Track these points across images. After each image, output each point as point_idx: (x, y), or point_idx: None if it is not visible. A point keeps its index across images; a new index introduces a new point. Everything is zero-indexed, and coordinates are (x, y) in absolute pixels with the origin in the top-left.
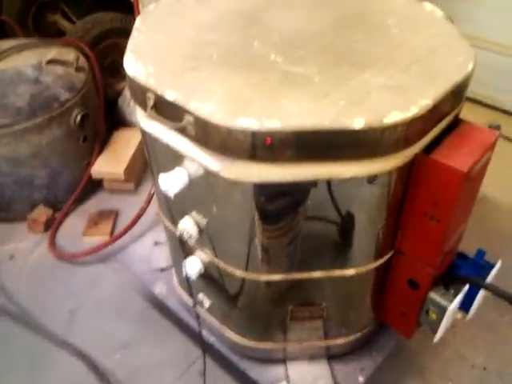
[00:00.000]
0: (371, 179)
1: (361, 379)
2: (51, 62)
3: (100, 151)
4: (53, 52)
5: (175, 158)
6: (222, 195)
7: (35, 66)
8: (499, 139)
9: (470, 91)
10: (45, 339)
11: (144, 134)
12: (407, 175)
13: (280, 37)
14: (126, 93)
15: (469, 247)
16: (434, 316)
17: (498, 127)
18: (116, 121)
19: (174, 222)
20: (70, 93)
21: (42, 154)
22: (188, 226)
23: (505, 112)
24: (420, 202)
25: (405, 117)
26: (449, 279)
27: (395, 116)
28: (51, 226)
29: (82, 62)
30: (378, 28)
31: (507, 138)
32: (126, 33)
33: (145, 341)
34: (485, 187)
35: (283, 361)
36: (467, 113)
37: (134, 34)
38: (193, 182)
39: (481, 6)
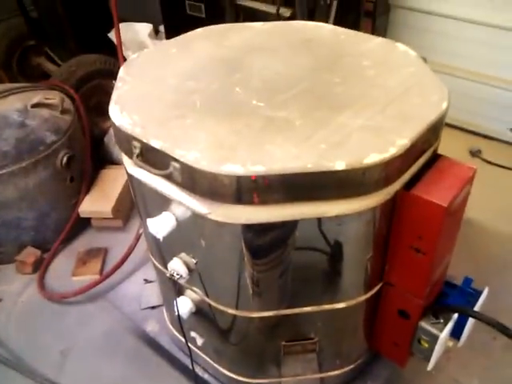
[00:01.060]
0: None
1: None
2: (36, 105)
3: (87, 190)
4: (38, 96)
5: (163, 202)
6: (210, 236)
7: (21, 110)
8: (480, 163)
9: (451, 118)
10: (36, 382)
11: (131, 178)
12: (390, 211)
13: (261, 82)
14: (112, 131)
15: (456, 271)
16: (426, 344)
17: (478, 152)
18: (103, 159)
19: (164, 262)
20: (55, 135)
21: (29, 197)
22: (177, 266)
23: (485, 137)
24: (405, 235)
25: (383, 157)
26: (438, 308)
27: (374, 157)
28: (40, 266)
29: (68, 104)
30: (355, 70)
31: (488, 162)
32: (110, 74)
33: (138, 379)
34: (468, 211)
35: None
36: (449, 139)
37: (118, 84)
38: (181, 224)
39: (458, 38)
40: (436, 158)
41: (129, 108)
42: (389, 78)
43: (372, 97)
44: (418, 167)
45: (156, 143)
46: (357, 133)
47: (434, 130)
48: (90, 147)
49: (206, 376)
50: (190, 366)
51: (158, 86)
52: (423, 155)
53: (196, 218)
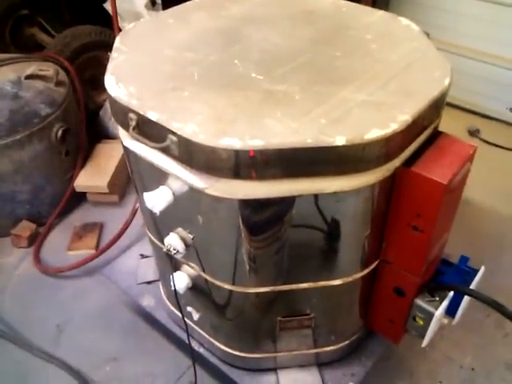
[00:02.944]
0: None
1: None
2: (30, 77)
3: (83, 164)
4: (32, 67)
5: (159, 176)
6: (207, 211)
7: (14, 81)
8: (479, 143)
9: (450, 96)
10: (33, 355)
11: (127, 151)
12: (389, 188)
13: (260, 54)
14: (107, 105)
15: (453, 250)
16: (421, 322)
17: (477, 131)
18: (98, 133)
19: (160, 237)
20: (50, 108)
21: (24, 170)
22: (174, 241)
23: (484, 116)
24: (403, 213)
25: (385, 133)
26: (434, 286)
27: (375, 133)
28: (35, 240)
29: (62, 76)
30: (357, 44)
31: (486, 142)
32: (105, 46)
33: (134, 353)
34: (466, 190)
35: (274, 369)
36: (447, 118)
37: (114, 54)
38: (178, 199)
39: (459, 14)
40: (437, 135)
41: (125, 79)
42: (391, 53)
43: (374, 71)
44: (419, 144)
45: (153, 115)
46: (358, 108)
47: (436, 107)
48: (85, 121)
49: (201, 350)
50: (186, 341)
51: (155, 57)
52: (424, 132)
53: (193, 192)
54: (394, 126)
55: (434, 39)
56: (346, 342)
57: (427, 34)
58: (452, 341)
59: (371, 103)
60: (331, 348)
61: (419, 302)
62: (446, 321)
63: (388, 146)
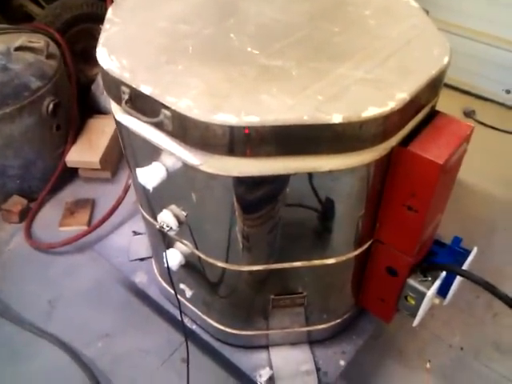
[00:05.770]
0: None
1: (342, 363)
2: (20, 48)
3: (74, 140)
4: (22, 38)
5: (152, 152)
6: (201, 188)
7: (3, 52)
8: (474, 124)
9: (446, 76)
10: (25, 330)
11: (119, 126)
12: (385, 167)
13: (256, 29)
14: (100, 79)
15: (445, 232)
16: (412, 302)
17: (472, 112)
18: (90, 108)
19: (153, 214)
20: (41, 81)
21: (15, 144)
22: (167, 218)
23: (479, 97)
24: (398, 193)
25: (382, 111)
26: (426, 266)
27: (373, 111)
28: (26, 216)
29: (53, 48)
30: (356, 20)
31: (481, 123)
32: (97, 18)
33: (126, 329)
34: (460, 172)
35: (266, 347)
36: (443, 98)
37: (106, 25)
38: (171, 176)
39: None
40: (434, 114)
41: (117, 51)
42: (390, 29)
43: (372, 48)
44: (416, 123)
45: (146, 89)
46: (355, 85)
47: (434, 85)
48: (76, 95)
49: (194, 327)
50: (179, 317)
51: (149, 29)
52: (421, 111)
53: (187, 169)
54: (391, 105)
55: (430, 18)
56: (338, 321)
57: (426, 11)
58: (442, 320)
59: (369, 80)
60: (323, 326)
61: (411, 281)
62: (437, 301)
63: (385, 125)
